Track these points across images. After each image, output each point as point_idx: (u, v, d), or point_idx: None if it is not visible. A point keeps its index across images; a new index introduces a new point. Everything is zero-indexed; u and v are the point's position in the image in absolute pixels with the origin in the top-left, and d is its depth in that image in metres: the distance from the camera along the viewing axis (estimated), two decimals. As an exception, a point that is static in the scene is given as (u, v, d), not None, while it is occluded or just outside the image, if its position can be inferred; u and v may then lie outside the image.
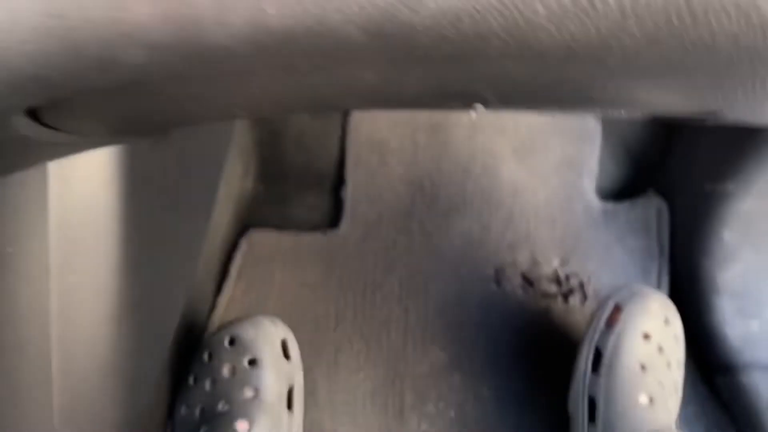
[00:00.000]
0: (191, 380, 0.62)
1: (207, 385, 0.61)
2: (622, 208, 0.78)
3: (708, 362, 0.69)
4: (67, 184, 0.41)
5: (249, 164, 0.82)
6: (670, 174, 0.76)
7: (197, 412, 0.60)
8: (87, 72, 0.16)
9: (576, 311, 0.74)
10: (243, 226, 0.80)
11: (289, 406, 0.62)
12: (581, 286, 0.75)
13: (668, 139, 0.78)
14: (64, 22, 0.14)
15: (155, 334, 0.59)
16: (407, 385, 0.70)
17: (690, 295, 0.69)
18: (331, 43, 0.16)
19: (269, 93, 0.17)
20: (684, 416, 0.70)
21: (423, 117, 0.83)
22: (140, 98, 0.17)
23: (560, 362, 0.70)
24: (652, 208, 0.77)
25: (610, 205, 0.78)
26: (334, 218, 0.82)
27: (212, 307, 0.73)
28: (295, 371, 0.65)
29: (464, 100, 0.20)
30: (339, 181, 0.83)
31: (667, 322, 0.62)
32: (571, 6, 0.15)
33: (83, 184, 0.43)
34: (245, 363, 0.61)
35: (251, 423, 0.57)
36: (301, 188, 0.83)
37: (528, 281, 0.76)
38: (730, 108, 0.18)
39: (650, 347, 0.60)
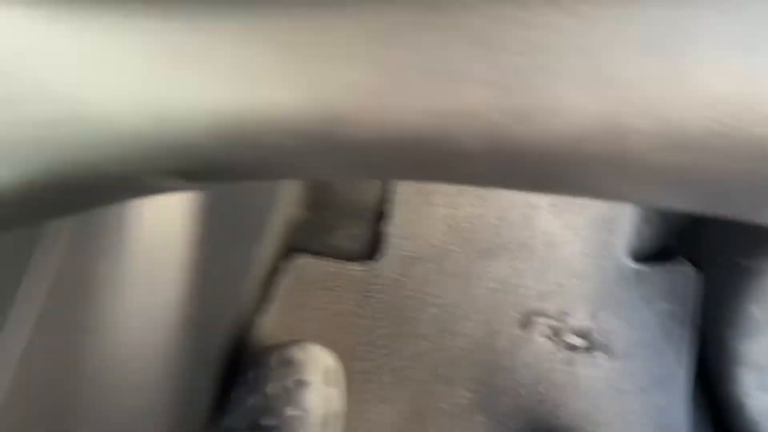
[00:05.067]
0: (238, 395, 0.65)
1: (254, 400, 0.63)
2: (653, 270, 0.80)
3: (727, 430, 0.71)
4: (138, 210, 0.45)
5: (298, 191, 0.86)
6: (703, 243, 0.78)
7: (243, 425, 0.63)
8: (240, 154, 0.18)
9: (600, 366, 0.76)
10: (287, 250, 0.84)
11: (327, 432, 0.65)
12: (607, 342, 0.77)
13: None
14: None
15: (205, 351, 0.63)
16: (430, 421, 0.73)
17: (713, 364, 0.71)
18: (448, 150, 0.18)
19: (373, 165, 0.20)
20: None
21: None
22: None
23: (582, 415, 0.72)
24: (682, 274, 0.79)
25: (641, 267, 0.80)
26: (371, 250, 0.85)
27: (252, 327, 0.77)
28: (338, 399, 0.67)
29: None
30: (379, 215, 0.86)
31: None
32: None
33: (154, 212, 0.47)
34: (292, 384, 0.63)
35: None
36: (344, 218, 0.87)
37: (555, 331, 0.78)
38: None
39: None
